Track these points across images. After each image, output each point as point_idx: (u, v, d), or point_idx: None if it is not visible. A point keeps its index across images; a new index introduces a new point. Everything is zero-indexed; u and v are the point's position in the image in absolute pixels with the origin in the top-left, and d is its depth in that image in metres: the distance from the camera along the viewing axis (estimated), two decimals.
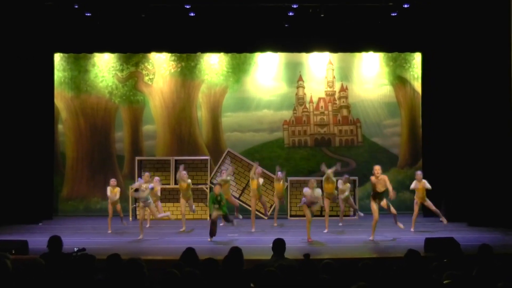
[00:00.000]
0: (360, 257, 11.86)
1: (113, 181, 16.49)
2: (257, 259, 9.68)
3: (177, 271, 6.08)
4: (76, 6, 17.10)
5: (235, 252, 7.56)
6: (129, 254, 10.55)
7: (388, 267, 6.96)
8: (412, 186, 16.02)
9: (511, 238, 14.85)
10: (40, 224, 17.54)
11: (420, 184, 15.81)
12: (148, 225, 16.89)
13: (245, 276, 6.97)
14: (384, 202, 14.51)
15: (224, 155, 19.34)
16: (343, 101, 20.43)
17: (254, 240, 14.39)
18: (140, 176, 18.23)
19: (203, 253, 8.43)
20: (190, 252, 7.84)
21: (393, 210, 14.86)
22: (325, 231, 15.81)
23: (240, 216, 16.97)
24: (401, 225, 15.41)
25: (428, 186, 15.81)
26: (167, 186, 18.73)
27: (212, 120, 20.37)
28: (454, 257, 8.09)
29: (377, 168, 14.50)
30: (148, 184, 15.32)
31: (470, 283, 6.23)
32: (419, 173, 16.11)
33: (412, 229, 15.74)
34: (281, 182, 17.44)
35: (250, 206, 17.34)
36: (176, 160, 19.03)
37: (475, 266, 6.91)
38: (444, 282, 6.17)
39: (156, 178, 16.96)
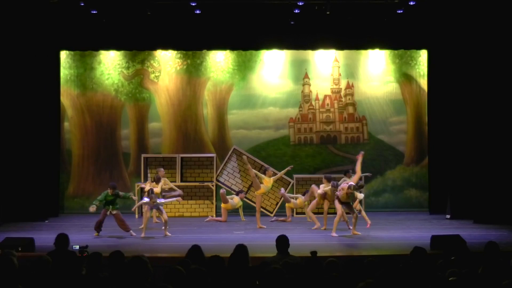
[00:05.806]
0: (366, 254, 11.84)
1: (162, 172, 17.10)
2: (262, 257, 9.65)
3: (183, 269, 6.09)
4: (82, 4, 17.10)
5: (241, 249, 7.56)
6: (134, 251, 10.57)
7: (394, 264, 6.94)
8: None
9: None
10: (46, 221, 17.57)
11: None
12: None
13: (250, 274, 6.97)
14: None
15: (230, 152, 19.30)
16: (349, 99, 20.39)
17: (260, 237, 14.39)
18: (145, 175, 18.50)
19: (208, 251, 8.42)
20: (196, 250, 7.86)
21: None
22: (323, 228, 15.91)
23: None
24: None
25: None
26: (173, 184, 18.67)
27: (218, 117, 20.35)
28: (460, 255, 8.08)
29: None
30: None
31: (476, 280, 6.22)
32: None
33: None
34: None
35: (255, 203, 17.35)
36: (181, 158, 19.03)
37: (481, 263, 6.90)
38: (449, 279, 6.16)
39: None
